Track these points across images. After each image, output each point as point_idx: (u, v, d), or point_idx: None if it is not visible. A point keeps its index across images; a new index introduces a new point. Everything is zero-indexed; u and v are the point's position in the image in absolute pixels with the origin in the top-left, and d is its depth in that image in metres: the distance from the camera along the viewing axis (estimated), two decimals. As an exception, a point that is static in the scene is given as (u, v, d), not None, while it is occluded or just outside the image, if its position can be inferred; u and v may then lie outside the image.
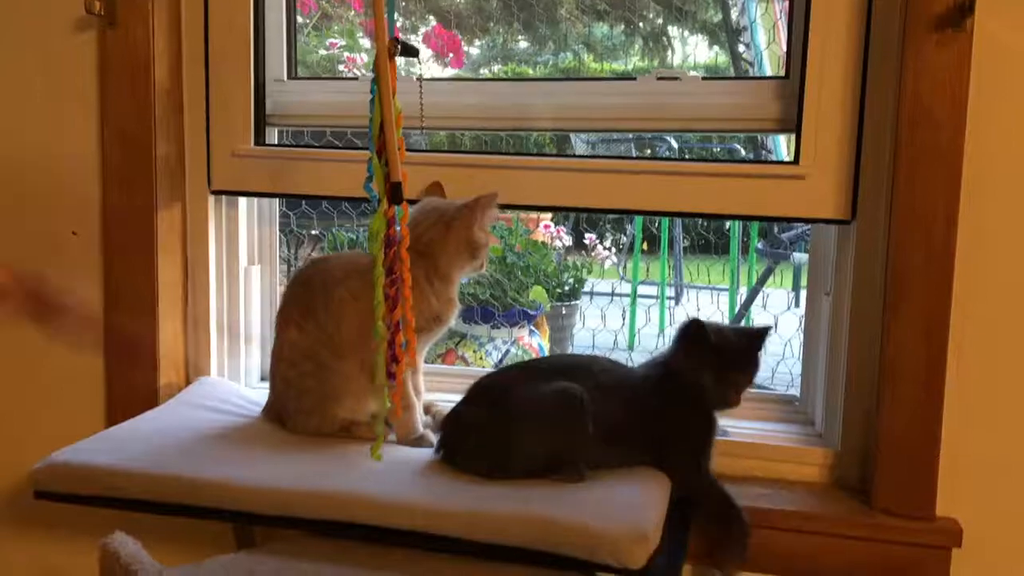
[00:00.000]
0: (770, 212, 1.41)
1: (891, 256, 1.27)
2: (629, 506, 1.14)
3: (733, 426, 1.49)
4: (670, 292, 4.23)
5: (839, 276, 1.42)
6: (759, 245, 3.68)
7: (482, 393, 1.30)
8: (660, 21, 4.20)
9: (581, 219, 3.46)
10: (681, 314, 3.95)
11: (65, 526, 1.65)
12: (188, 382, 1.62)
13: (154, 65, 1.51)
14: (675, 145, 3.51)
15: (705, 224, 4.16)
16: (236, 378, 1.67)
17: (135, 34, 1.50)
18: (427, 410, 1.46)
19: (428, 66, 2.11)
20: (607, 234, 3.98)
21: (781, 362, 2.74)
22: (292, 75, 1.64)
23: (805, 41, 1.34)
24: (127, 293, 1.57)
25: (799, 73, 1.36)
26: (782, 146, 2.92)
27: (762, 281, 3.45)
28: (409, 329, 1.15)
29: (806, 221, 1.43)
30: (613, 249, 3.12)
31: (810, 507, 1.32)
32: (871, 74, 1.32)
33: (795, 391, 1.58)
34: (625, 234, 4.25)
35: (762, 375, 2.99)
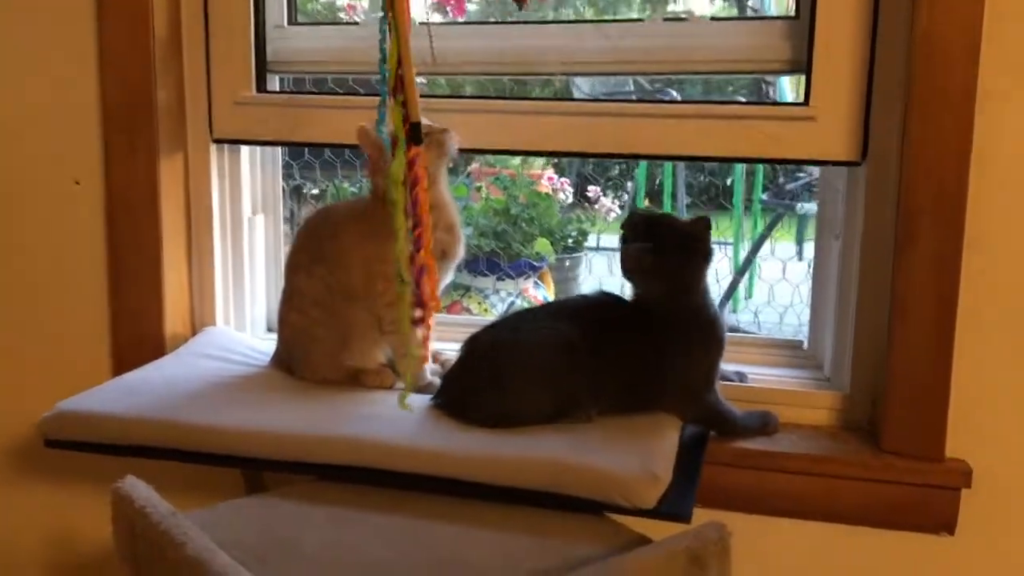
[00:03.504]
0: (779, 155, 1.38)
1: (902, 195, 1.26)
2: (640, 447, 1.14)
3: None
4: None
5: (849, 218, 1.40)
6: (764, 196, 3.66)
7: (477, 349, 1.29)
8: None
9: (584, 172, 3.44)
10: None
11: (74, 476, 1.65)
12: (194, 332, 1.61)
13: (152, 11, 1.49)
14: (678, 98, 3.47)
15: (706, 179, 4.13)
16: (242, 328, 1.67)
17: (132, -21, 1.48)
18: (435, 358, 1.46)
19: (429, 17, 2.07)
20: (608, 192, 3.95)
21: (788, 310, 2.74)
22: (292, 21, 1.61)
23: (815, -22, 1.32)
24: (131, 243, 1.56)
25: (809, 12, 1.33)
26: (787, 92, 2.88)
27: (766, 233, 3.44)
28: (431, 274, 1.14)
29: (816, 163, 1.41)
30: (616, 202, 3.10)
31: (819, 449, 1.32)
32: (883, 10, 1.30)
33: (801, 338, 1.57)
34: (627, 191, 4.22)
35: (770, 322, 2.98)
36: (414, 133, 1.11)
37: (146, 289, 1.56)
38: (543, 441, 1.15)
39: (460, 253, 1.39)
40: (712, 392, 1.30)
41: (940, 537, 1.30)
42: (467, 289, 2.39)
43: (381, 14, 1.12)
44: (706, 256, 1.27)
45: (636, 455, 1.11)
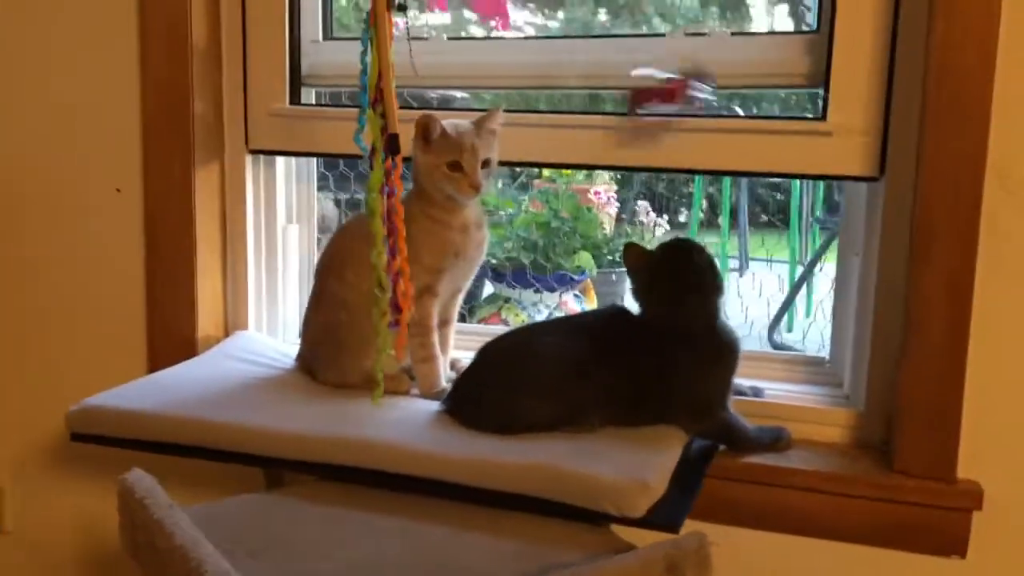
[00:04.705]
0: (796, 169, 1.39)
1: (916, 211, 1.24)
2: (635, 456, 1.15)
3: (762, 388, 1.47)
4: (734, 264, 4.17)
5: (868, 235, 1.39)
6: (820, 215, 3.60)
7: (486, 357, 1.32)
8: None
9: (635, 188, 3.43)
10: (745, 286, 3.89)
11: (108, 469, 1.71)
12: (227, 336, 1.67)
13: (191, 24, 1.56)
14: (740, 113, 3.43)
15: (769, 195, 4.08)
16: (274, 333, 1.72)
17: (173, -6, 1.55)
18: (452, 366, 1.48)
19: (473, 30, 2.11)
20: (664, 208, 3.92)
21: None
22: (328, 36, 1.66)
23: (834, -9, 1.31)
24: (168, 249, 1.63)
25: (828, 27, 1.33)
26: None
27: (820, 251, 3.39)
28: (406, 279, 1.20)
29: (833, 178, 1.40)
30: (665, 217, 3.09)
31: (828, 467, 1.30)
32: (903, 24, 1.28)
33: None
34: (672, 209, 4.18)
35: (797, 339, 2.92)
36: (392, 144, 1.15)
37: (180, 293, 1.62)
38: (541, 448, 1.16)
39: (476, 254, 1.41)
40: (724, 408, 1.29)
41: (952, 560, 1.27)
42: (506, 300, 2.42)
43: (364, 27, 1.17)
44: (715, 288, 1.28)
45: (631, 464, 1.12)
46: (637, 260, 1.29)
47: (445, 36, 1.58)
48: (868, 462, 1.32)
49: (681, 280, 1.26)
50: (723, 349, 1.28)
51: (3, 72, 1.70)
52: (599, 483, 1.07)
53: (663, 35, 1.47)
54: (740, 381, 1.42)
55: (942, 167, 1.22)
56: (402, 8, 1.21)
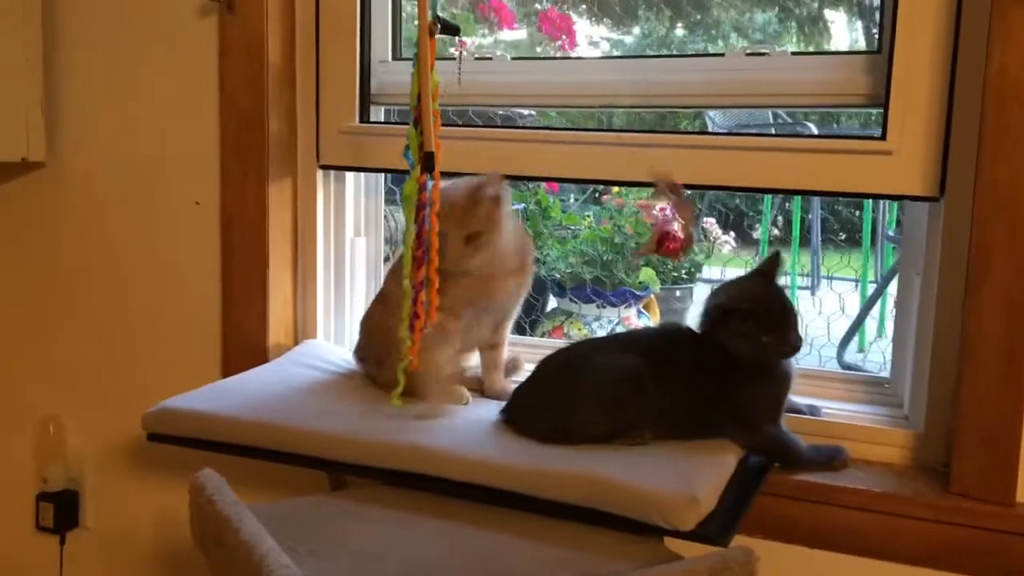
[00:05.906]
0: (855, 189, 1.38)
1: (974, 232, 1.24)
2: (686, 470, 1.16)
3: (823, 407, 1.47)
4: (805, 282, 4.12)
5: (928, 255, 1.38)
6: (891, 232, 3.54)
7: (545, 369, 1.35)
8: (816, 5, 4.05)
9: (707, 204, 3.43)
10: (820, 304, 3.84)
11: (180, 472, 1.78)
12: (296, 344, 1.73)
13: (267, 47, 1.63)
14: (815, 131, 3.41)
15: (838, 209, 4.03)
16: (340, 342, 1.78)
17: (250, 18, 1.62)
18: (513, 365, 1.54)
19: (543, 49, 2.15)
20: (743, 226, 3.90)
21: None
22: (396, 56, 1.72)
23: (895, 12, 1.31)
24: (242, 260, 1.70)
25: (888, 47, 1.33)
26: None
27: (893, 271, 3.33)
28: (432, 289, 1.24)
29: (892, 198, 1.40)
30: (732, 234, 3.09)
31: (883, 487, 1.30)
32: (962, 46, 1.28)
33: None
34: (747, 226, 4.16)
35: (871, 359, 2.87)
36: (427, 161, 1.20)
37: (253, 302, 1.69)
38: (593, 459, 1.18)
39: (504, 302, 1.43)
40: (775, 425, 1.30)
41: (1011, 585, 1.25)
42: (570, 315, 2.44)
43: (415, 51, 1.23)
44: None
45: (681, 477, 1.13)
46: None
47: (509, 56, 1.62)
48: (924, 483, 1.31)
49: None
50: (774, 369, 1.29)
51: (95, 93, 1.80)
52: (649, 495, 1.09)
53: (723, 55, 1.49)
54: (797, 399, 1.43)
55: (999, 190, 1.22)
56: (448, 30, 1.25)
